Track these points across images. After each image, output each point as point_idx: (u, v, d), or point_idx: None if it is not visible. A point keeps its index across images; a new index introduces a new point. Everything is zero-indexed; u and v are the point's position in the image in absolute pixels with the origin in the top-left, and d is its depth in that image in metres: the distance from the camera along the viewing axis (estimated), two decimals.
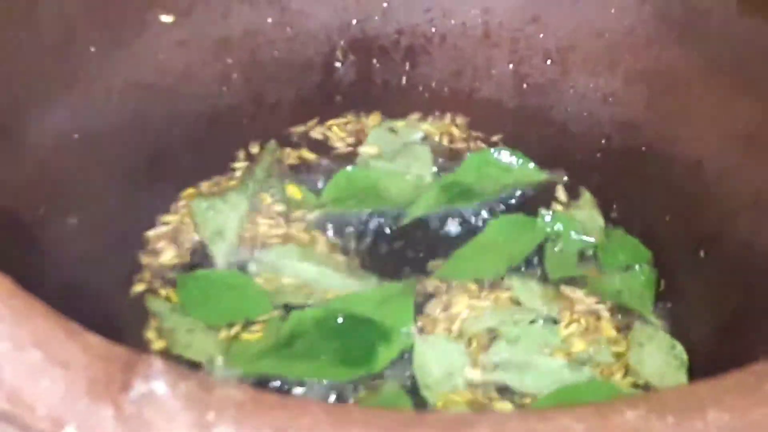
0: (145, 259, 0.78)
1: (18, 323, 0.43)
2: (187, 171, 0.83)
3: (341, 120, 0.87)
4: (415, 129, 0.87)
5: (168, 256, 0.78)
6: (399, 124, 0.87)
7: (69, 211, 0.74)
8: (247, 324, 0.74)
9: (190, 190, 0.82)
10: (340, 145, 0.86)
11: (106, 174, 0.77)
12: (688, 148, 0.81)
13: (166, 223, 0.80)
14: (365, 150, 0.86)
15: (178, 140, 0.82)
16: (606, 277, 0.78)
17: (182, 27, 0.83)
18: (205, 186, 0.83)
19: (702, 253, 0.78)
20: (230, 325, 0.74)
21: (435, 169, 0.85)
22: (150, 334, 0.73)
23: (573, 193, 0.84)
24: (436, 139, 0.87)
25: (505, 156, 0.85)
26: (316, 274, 0.77)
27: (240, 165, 0.84)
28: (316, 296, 0.76)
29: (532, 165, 0.84)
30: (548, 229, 0.81)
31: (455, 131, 0.87)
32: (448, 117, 0.88)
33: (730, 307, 0.74)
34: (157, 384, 0.41)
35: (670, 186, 0.82)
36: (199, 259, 0.79)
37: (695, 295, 0.77)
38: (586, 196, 0.83)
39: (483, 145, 0.87)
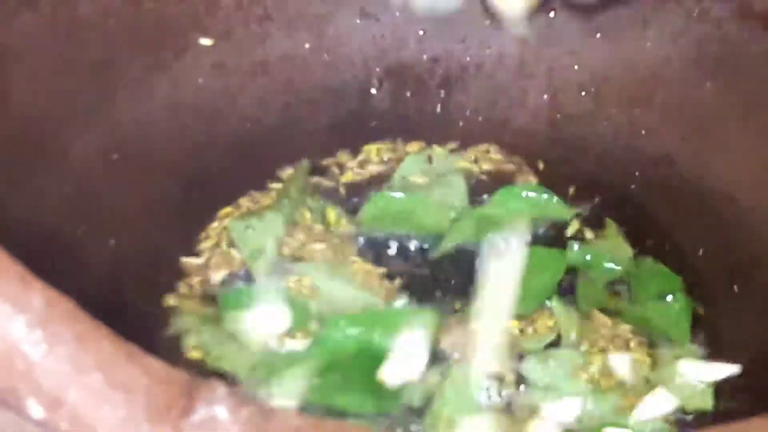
0: (183, 278, 0.78)
1: (81, 346, 0.43)
2: (223, 192, 0.83)
3: (378, 145, 0.87)
4: (451, 158, 0.87)
5: (207, 274, 0.79)
6: (437, 151, 0.87)
7: (108, 231, 0.74)
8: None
9: (226, 209, 0.82)
10: (377, 169, 0.86)
11: (144, 194, 0.78)
12: (722, 183, 0.82)
13: (204, 242, 0.80)
14: (401, 175, 0.86)
15: (215, 162, 0.83)
16: (638, 307, 0.79)
17: (221, 50, 0.83)
18: (242, 201, 0.83)
19: (736, 288, 0.78)
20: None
21: (468, 200, 0.85)
22: (189, 350, 0.74)
23: (601, 224, 0.84)
24: (471, 169, 0.87)
25: (532, 191, 0.85)
26: (348, 293, 0.78)
27: (275, 185, 0.85)
28: (348, 313, 0.76)
29: (556, 200, 0.84)
30: (578, 260, 0.81)
31: (488, 163, 0.87)
32: (482, 146, 0.88)
33: (765, 342, 0.74)
34: (219, 409, 0.42)
35: (704, 219, 0.82)
36: (238, 277, 0.79)
37: (730, 329, 0.77)
38: (612, 226, 0.83)
39: (517, 176, 0.87)
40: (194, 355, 0.73)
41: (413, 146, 0.88)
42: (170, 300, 0.76)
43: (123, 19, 0.77)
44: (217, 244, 0.80)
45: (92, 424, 0.41)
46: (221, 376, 0.70)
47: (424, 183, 0.85)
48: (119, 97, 0.77)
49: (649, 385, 0.74)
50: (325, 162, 0.87)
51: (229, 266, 0.79)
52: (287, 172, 0.85)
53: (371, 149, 0.87)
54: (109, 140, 0.76)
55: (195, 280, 0.78)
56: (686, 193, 0.83)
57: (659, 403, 0.72)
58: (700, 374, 0.73)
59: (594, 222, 0.84)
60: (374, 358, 0.72)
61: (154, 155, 0.79)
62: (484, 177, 0.87)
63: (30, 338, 0.42)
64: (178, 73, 0.81)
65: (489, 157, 0.88)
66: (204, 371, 0.70)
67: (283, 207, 0.82)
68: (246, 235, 0.80)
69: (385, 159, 0.87)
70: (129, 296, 0.74)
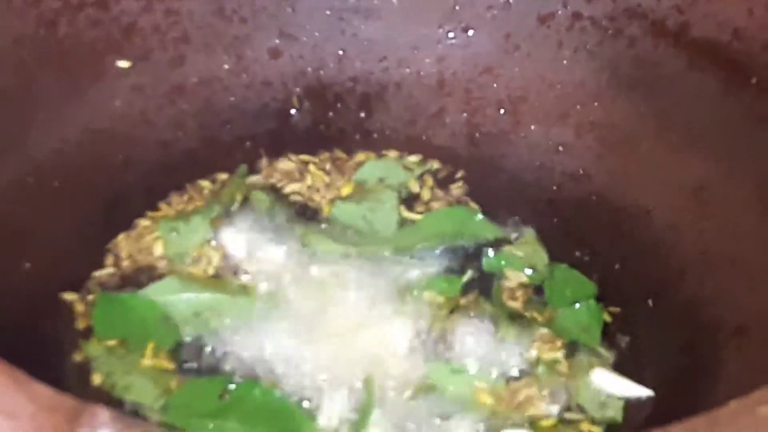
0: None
1: None
2: (141, 213, 0.83)
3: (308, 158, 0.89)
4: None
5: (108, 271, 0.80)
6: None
7: (22, 255, 0.74)
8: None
9: (160, 211, 0.84)
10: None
11: (60, 217, 0.77)
12: (637, 199, 0.83)
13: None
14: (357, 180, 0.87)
15: (133, 185, 0.83)
16: (552, 312, 0.79)
17: (139, 73, 0.84)
18: (174, 200, 0.84)
19: (650, 303, 0.79)
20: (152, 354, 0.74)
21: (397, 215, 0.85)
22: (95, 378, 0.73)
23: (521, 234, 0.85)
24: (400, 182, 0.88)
25: (465, 213, 0.86)
26: (207, 301, 0.78)
27: (207, 185, 0.86)
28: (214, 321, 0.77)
29: (485, 221, 0.85)
30: (493, 266, 0.82)
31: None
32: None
33: (676, 358, 0.75)
34: None
35: (620, 235, 0.83)
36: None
37: (644, 343, 0.78)
38: (530, 234, 0.84)
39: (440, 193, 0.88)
40: (99, 383, 0.72)
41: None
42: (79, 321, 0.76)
43: (37, 46, 0.77)
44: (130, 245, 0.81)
45: None
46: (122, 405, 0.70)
47: (357, 198, 0.86)
48: (35, 124, 0.77)
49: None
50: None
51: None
52: (222, 176, 0.86)
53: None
54: (24, 166, 0.76)
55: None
56: (603, 210, 0.84)
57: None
58: (612, 387, 0.74)
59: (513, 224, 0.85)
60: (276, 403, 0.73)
61: (71, 179, 0.79)
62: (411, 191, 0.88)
63: None
64: (95, 97, 0.82)
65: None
66: (109, 399, 0.70)
67: (212, 212, 0.82)
68: (170, 238, 0.81)
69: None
70: (44, 319, 0.74)
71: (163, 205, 0.84)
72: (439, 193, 0.87)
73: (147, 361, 0.74)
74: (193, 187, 0.85)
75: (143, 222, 0.83)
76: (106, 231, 0.81)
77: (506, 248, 0.83)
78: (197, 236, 0.81)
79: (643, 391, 0.74)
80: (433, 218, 0.85)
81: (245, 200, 0.84)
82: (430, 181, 0.88)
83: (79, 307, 0.76)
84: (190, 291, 0.77)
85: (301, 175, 0.87)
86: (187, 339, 0.76)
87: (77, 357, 0.73)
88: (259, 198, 0.84)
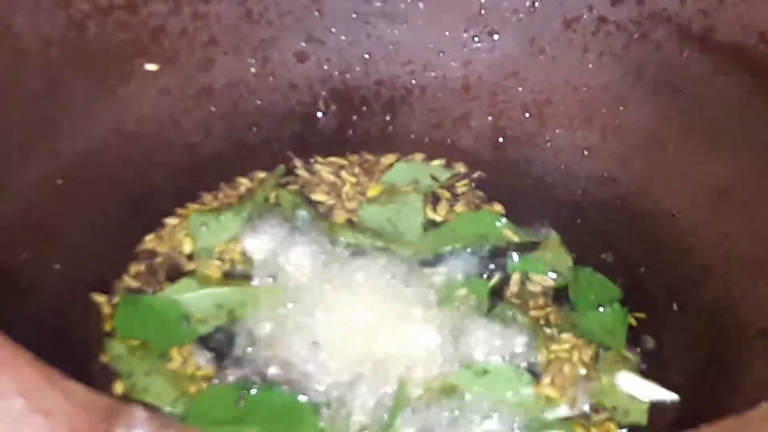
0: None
1: (2, 371, 0.43)
2: (169, 214, 0.84)
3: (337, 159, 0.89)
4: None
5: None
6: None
7: (53, 257, 0.75)
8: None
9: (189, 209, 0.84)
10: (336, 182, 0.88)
11: (89, 218, 0.78)
12: (662, 202, 0.83)
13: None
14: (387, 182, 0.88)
15: (159, 186, 0.83)
16: (578, 315, 0.80)
17: (166, 76, 0.84)
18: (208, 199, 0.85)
19: (675, 306, 0.79)
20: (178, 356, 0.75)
21: (423, 218, 0.86)
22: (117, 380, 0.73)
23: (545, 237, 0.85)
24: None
25: (491, 217, 0.86)
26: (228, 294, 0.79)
27: (245, 182, 0.86)
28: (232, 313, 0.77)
29: (510, 224, 0.85)
30: (518, 270, 0.82)
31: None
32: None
33: (701, 361, 0.75)
34: None
35: (645, 238, 0.83)
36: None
37: (669, 345, 0.78)
38: (554, 237, 0.84)
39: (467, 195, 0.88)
40: (121, 386, 0.73)
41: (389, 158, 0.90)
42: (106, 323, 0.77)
43: (65, 48, 0.78)
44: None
45: None
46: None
47: (383, 200, 0.86)
48: (63, 125, 0.78)
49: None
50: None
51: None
52: (260, 175, 0.87)
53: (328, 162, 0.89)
54: (52, 166, 0.77)
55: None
56: (627, 213, 0.85)
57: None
58: (637, 390, 0.74)
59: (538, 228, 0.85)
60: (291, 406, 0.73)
61: (99, 180, 0.80)
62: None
63: None
64: (123, 99, 0.82)
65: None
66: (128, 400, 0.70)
67: (243, 210, 0.83)
68: (200, 232, 0.82)
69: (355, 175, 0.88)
70: (74, 320, 0.74)
71: (198, 202, 0.85)
72: (464, 195, 0.88)
73: (172, 365, 0.74)
74: (229, 185, 0.86)
75: (172, 221, 0.83)
76: (133, 232, 0.81)
77: (531, 252, 0.83)
78: (227, 233, 0.82)
79: (668, 395, 0.74)
80: (459, 222, 0.85)
81: (276, 200, 0.85)
82: (455, 184, 0.88)
83: (107, 309, 0.77)
84: (209, 287, 0.78)
85: (329, 177, 0.87)
86: (211, 331, 0.76)
87: (103, 359, 0.74)
88: (286, 198, 0.84)
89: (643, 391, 0.74)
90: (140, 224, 0.82)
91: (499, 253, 0.83)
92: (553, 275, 0.82)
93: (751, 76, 0.78)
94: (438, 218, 0.86)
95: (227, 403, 0.72)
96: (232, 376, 0.74)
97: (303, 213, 0.84)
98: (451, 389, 0.74)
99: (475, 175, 0.89)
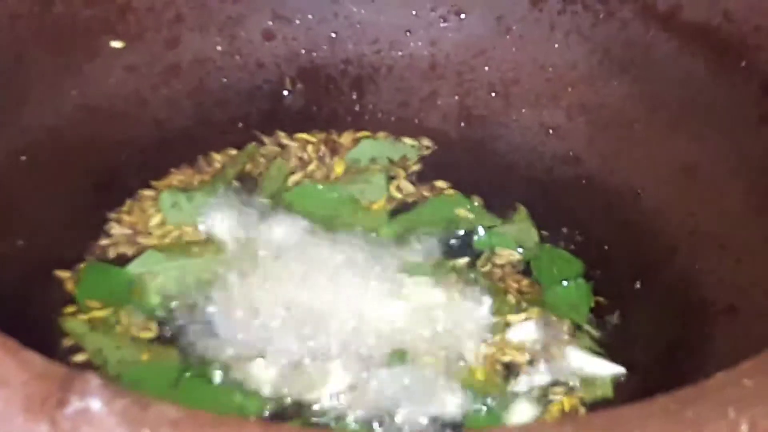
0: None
1: None
2: (134, 191, 0.84)
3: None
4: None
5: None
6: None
7: (16, 233, 0.74)
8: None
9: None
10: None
11: (54, 194, 0.78)
12: (627, 181, 0.84)
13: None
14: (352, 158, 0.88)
15: (126, 163, 0.83)
16: (542, 289, 0.81)
17: (133, 53, 0.84)
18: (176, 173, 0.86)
19: (638, 284, 0.79)
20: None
21: (385, 195, 0.86)
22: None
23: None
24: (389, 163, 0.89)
25: (460, 201, 0.86)
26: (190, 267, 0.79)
27: (218, 158, 0.87)
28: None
29: (479, 207, 0.86)
30: (484, 245, 0.83)
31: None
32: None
33: (665, 337, 0.75)
34: (92, 401, 0.42)
35: (610, 217, 0.84)
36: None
37: (634, 322, 0.78)
38: (522, 211, 0.85)
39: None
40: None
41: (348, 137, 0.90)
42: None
43: (32, 23, 0.78)
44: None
45: None
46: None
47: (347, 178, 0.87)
48: (29, 100, 0.78)
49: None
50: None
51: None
52: (231, 152, 0.87)
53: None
54: (17, 143, 0.77)
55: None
56: (593, 191, 0.85)
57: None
58: (586, 365, 0.75)
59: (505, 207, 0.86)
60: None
61: (65, 157, 0.79)
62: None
63: None
64: (89, 75, 0.82)
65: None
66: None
67: (215, 189, 0.83)
68: (171, 212, 0.82)
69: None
70: (37, 296, 0.74)
71: (169, 177, 0.85)
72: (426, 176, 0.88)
73: (120, 328, 0.75)
74: (205, 158, 0.86)
75: (146, 192, 0.84)
76: (99, 208, 0.81)
77: (497, 227, 0.84)
78: (197, 212, 0.82)
79: (616, 369, 0.75)
80: (429, 206, 0.86)
81: (243, 178, 0.85)
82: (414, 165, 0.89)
83: (70, 285, 0.77)
84: (172, 260, 0.78)
85: (295, 153, 0.87)
86: (173, 305, 0.76)
87: (65, 335, 0.74)
88: (248, 175, 0.85)
89: (591, 366, 0.75)
90: (106, 201, 0.82)
91: (467, 234, 0.84)
92: (520, 249, 0.83)
93: (716, 56, 0.79)
94: (399, 196, 0.86)
95: (163, 380, 0.72)
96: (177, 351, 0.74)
97: (268, 188, 0.84)
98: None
99: (433, 152, 0.89)
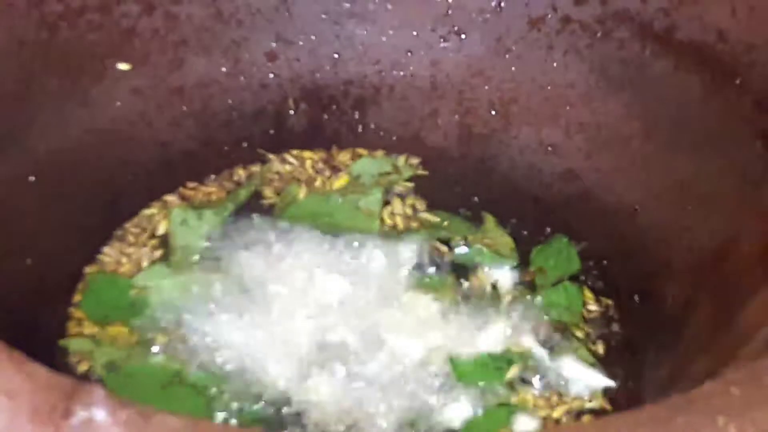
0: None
1: None
2: (140, 209, 0.86)
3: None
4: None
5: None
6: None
7: (23, 252, 0.76)
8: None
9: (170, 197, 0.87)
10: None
11: (61, 217, 0.79)
12: (625, 197, 0.85)
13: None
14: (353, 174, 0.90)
15: (131, 185, 0.85)
16: (538, 291, 0.83)
17: (138, 76, 0.85)
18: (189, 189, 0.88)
19: (637, 298, 0.80)
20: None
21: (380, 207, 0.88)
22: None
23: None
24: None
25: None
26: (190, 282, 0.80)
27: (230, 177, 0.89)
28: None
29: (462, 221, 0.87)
30: (466, 260, 0.85)
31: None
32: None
33: (661, 350, 0.76)
34: (97, 411, 0.43)
35: (608, 233, 0.85)
36: None
37: (632, 335, 0.80)
38: (490, 220, 0.87)
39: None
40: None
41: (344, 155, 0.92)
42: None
43: (39, 48, 0.79)
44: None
45: None
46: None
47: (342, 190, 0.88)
48: (37, 123, 0.79)
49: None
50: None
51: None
52: (240, 172, 0.89)
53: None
54: (25, 164, 0.78)
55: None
56: (590, 208, 0.87)
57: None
58: (579, 376, 0.76)
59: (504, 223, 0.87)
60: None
61: (72, 177, 0.81)
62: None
63: None
64: (96, 98, 0.83)
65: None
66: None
67: (225, 209, 0.85)
68: (179, 229, 0.83)
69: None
70: (44, 314, 0.75)
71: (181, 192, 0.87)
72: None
73: (111, 328, 0.77)
74: (217, 177, 0.89)
75: (152, 210, 0.86)
76: (105, 229, 0.83)
77: (474, 240, 0.85)
78: (206, 230, 0.83)
79: (607, 382, 0.77)
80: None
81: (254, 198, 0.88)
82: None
83: (77, 297, 0.79)
84: (177, 275, 0.80)
85: (298, 170, 0.89)
86: (175, 318, 0.78)
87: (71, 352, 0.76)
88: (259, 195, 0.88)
89: (586, 378, 0.76)
90: (112, 222, 0.83)
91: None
92: (499, 258, 0.84)
93: (711, 74, 0.79)
94: (390, 222, 0.88)
95: (152, 384, 0.74)
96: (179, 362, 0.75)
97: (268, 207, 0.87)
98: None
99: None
